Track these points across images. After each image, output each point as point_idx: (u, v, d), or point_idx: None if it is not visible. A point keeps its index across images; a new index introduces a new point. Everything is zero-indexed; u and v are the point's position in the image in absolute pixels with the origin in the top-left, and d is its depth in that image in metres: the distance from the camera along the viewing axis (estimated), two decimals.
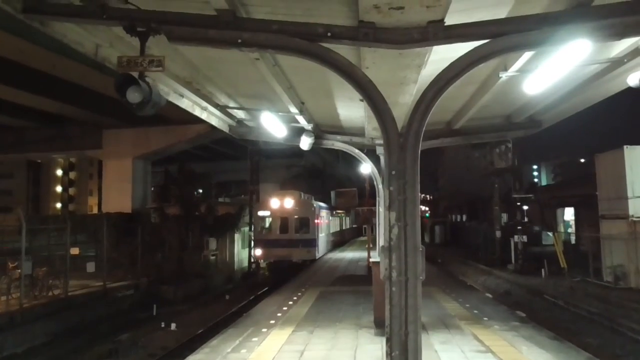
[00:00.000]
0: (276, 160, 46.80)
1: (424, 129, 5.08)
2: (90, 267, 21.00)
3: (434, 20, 4.85)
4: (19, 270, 15.95)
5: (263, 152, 36.87)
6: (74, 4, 5.30)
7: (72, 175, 77.88)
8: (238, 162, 46.69)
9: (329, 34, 5.04)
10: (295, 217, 27.38)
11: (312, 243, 27.41)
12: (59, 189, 76.04)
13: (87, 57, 6.65)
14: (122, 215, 29.29)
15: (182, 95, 9.28)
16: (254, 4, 5.59)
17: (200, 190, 34.47)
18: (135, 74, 5.19)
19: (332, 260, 29.57)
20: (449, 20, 5.04)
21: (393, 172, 4.93)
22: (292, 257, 26.72)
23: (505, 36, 4.91)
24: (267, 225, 27.89)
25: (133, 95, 5.03)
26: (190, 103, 9.80)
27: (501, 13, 5.57)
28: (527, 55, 6.73)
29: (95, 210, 63.17)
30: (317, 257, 27.90)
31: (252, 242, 29.99)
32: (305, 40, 5.05)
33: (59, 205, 73.91)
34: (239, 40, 5.09)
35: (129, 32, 5.17)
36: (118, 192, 33.57)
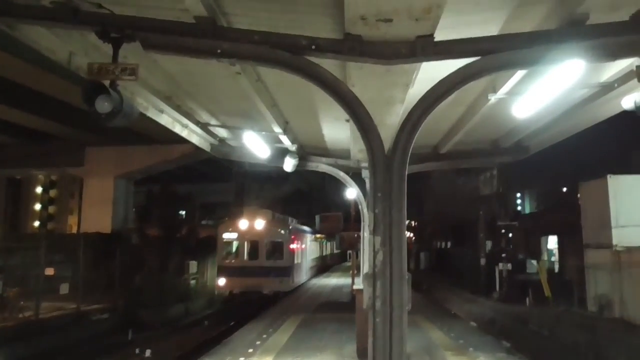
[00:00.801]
0: (262, 183, 46.36)
1: (411, 148, 4.84)
2: (64, 288, 20.21)
3: (423, 35, 4.64)
4: None
5: (248, 174, 36.52)
6: (45, 6, 5.00)
7: (52, 193, 76.27)
8: (223, 184, 46.14)
9: (313, 47, 4.81)
10: (267, 240, 23.21)
11: (286, 272, 23.21)
12: (38, 207, 74.49)
13: (60, 66, 6.32)
14: (100, 235, 28.51)
15: (161, 111, 8.96)
16: (236, 14, 5.35)
17: (183, 212, 33.86)
18: (107, 83, 4.87)
19: (315, 287, 29.00)
20: (438, 37, 4.84)
21: (378, 194, 4.65)
22: (262, 288, 22.52)
23: (497, 54, 4.73)
24: (233, 250, 23.75)
25: (102, 105, 4.70)
26: (170, 120, 9.48)
27: (492, 30, 5.41)
28: (516, 77, 6.56)
29: (75, 230, 61.85)
30: (291, 289, 24.19)
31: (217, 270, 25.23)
32: (289, 52, 4.81)
33: (37, 223, 72.26)
34: (218, 51, 4.84)
35: (101, 38, 4.89)
36: (98, 211, 32.76)
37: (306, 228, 31.88)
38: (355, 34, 4.65)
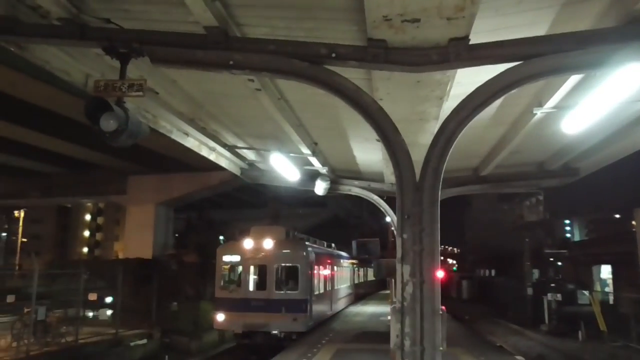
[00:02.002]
0: (298, 209, 46.20)
1: (444, 166, 4.27)
2: (103, 314, 20.45)
3: (457, 38, 4.10)
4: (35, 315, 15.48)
5: (284, 200, 36.28)
6: (52, 24, 4.79)
7: (99, 220, 78.98)
8: (260, 210, 46.18)
9: (333, 55, 4.36)
10: (278, 265, 17.67)
11: (302, 306, 17.55)
12: (86, 233, 77.07)
13: (76, 88, 6.12)
14: (140, 261, 28.82)
15: (186, 134, 8.71)
16: (250, 24, 4.96)
17: (222, 238, 33.90)
18: (113, 100, 4.57)
19: (351, 314, 28.08)
20: (475, 42, 4.30)
21: (406, 217, 4.09)
22: (270, 328, 17.02)
23: (542, 57, 4.12)
24: (236, 276, 18.67)
25: (107, 123, 4.38)
26: (196, 142, 9.22)
27: (537, 34, 4.77)
28: (565, 87, 5.88)
29: (121, 256, 63.54)
30: (308, 328, 18.22)
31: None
32: (307, 62, 4.38)
33: (85, 250, 74.67)
34: (230, 62, 4.46)
35: (109, 54, 4.61)
36: (140, 237, 33.40)
37: (335, 251, 27.36)
38: (379, 39, 4.17)
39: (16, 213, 45.35)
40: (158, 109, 7.41)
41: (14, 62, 13.13)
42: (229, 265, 18.35)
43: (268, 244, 17.59)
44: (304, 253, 18.21)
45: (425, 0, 3.62)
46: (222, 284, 18.10)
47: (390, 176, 10.46)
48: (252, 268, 17.84)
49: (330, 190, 11.58)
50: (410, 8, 3.71)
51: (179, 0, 4.35)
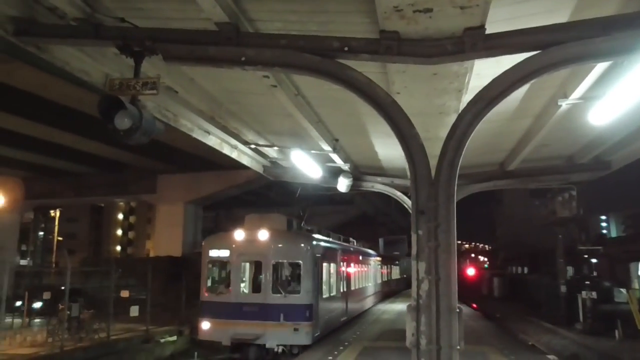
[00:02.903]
0: (326, 207, 46.16)
1: (460, 160, 4.14)
2: (134, 310, 20.86)
3: (472, 27, 3.98)
4: (69, 312, 15.94)
5: (312, 198, 36.22)
6: (68, 24, 4.86)
7: (131, 219, 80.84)
8: (288, 209, 46.22)
9: (345, 48, 4.29)
10: (275, 261, 14.14)
11: (305, 313, 13.91)
12: (119, 232, 79.00)
13: (96, 88, 6.21)
14: (169, 259, 29.26)
15: (207, 132, 8.77)
16: (262, 19, 4.93)
17: None
18: (127, 99, 4.61)
19: (379, 312, 27.90)
20: (492, 31, 4.16)
21: (422, 212, 3.98)
22: (266, 340, 13.43)
23: (563, 45, 3.95)
24: (224, 275, 15.14)
25: (122, 121, 4.43)
26: (217, 140, 9.27)
27: (558, 22, 4.59)
28: (591, 77, 5.65)
29: (152, 254, 64.78)
30: (314, 340, 14.24)
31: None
32: (319, 55, 4.32)
33: (118, 248, 76.52)
34: (242, 58, 4.45)
35: (123, 53, 4.66)
36: (169, 236, 33.90)
37: (353, 246, 23.84)
38: (391, 31, 4.08)
39: (52, 212, 46.67)
40: (178, 107, 7.47)
41: (40, 63, 13.48)
42: (216, 262, 14.98)
43: (264, 235, 14.15)
44: (309, 247, 14.55)
45: None
46: (208, 284, 14.90)
47: None
48: (244, 265, 14.71)
49: (353, 187, 11.50)
50: None
51: None
